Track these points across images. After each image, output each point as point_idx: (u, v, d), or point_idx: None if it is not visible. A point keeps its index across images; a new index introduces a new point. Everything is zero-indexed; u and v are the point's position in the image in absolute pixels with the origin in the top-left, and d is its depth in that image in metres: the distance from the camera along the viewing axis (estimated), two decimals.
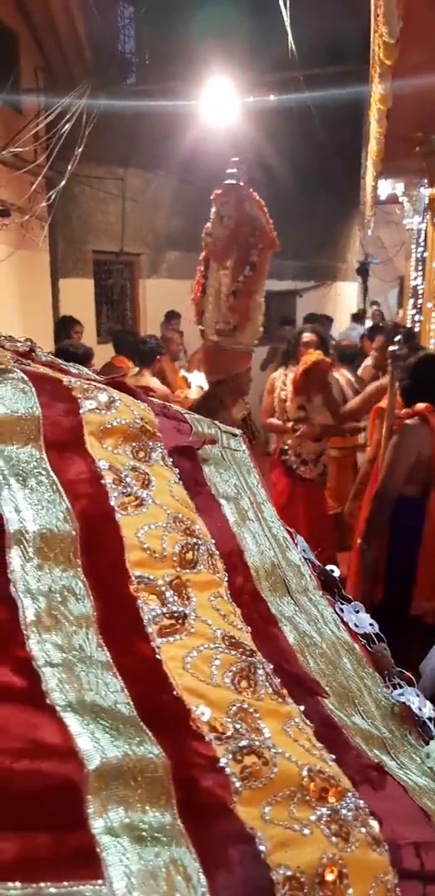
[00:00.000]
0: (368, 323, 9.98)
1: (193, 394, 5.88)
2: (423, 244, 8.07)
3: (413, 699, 0.87)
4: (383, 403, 4.17)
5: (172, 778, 0.59)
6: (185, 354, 7.60)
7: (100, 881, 0.51)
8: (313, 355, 4.73)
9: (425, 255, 7.25)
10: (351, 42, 7.04)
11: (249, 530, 0.92)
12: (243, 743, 0.63)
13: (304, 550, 1.00)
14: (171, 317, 7.99)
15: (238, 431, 1.09)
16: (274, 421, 4.93)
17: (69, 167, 7.10)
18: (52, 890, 0.50)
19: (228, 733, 0.63)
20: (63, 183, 7.16)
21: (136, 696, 0.65)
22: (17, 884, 0.49)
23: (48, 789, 0.55)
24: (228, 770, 0.61)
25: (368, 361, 6.46)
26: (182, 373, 6.52)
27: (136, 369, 5.65)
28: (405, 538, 3.25)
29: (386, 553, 3.33)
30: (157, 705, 0.65)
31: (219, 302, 3.25)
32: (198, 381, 6.04)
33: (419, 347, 4.91)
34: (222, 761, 0.61)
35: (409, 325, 8.71)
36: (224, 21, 8.00)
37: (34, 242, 7.64)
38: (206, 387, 6.20)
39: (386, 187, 9.67)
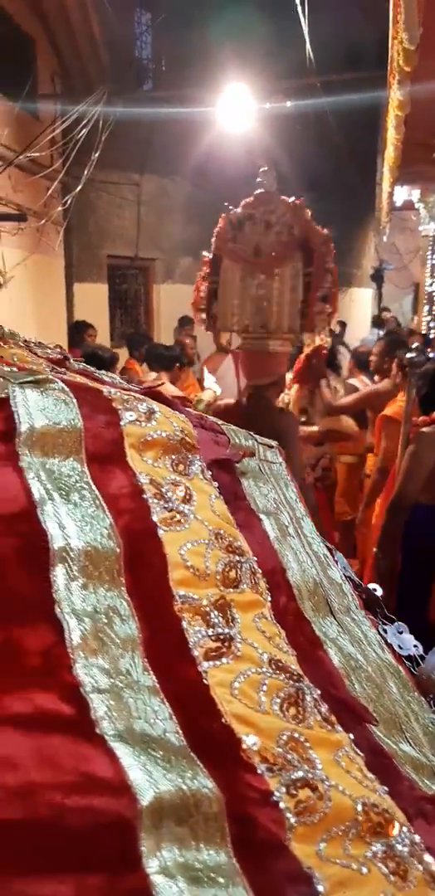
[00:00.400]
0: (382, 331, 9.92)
1: (208, 396, 5.89)
2: None
3: None
4: (388, 411, 4.27)
5: (226, 814, 0.57)
6: (198, 359, 7.60)
7: None
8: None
9: None
10: (368, 47, 7.03)
11: (290, 547, 0.90)
12: (297, 775, 0.61)
13: (344, 568, 0.98)
14: (185, 322, 7.99)
15: (274, 443, 1.07)
16: None
17: (85, 172, 7.13)
18: None
19: (280, 764, 0.61)
20: (79, 188, 7.20)
21: (184, 724, 0.63)
22: None
23: (101, 826, 0.53)
24: (282, 804, 0.58)
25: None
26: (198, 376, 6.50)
27: (154, 374, 5.65)
28: (422, 545, 3.22)
29: (401, 561, 3.30)
30: (207, 734, 0.63)
31: (285, 299, 3.34)
32: (210, 384, 6.04)
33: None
34: (276, 795, 0.59)
35: (424, 332, 8.66)
36: (241, 27, 8.01)
37: (50, 247, 7.68)
38: (218, 390, 6.25)
39: (402, 193, 9.62)
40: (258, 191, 3.54)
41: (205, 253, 3.78)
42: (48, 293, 8.08)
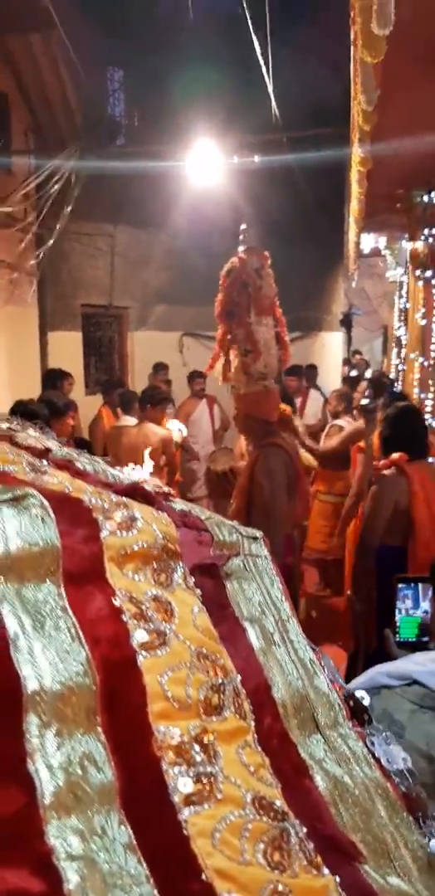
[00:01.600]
0: (354, 372, 10.12)
1: (175, 437, 6.03)
2: (405, 296, 8.25)
3: None
4: (362, 444, 4.53)
5: None
6: (173, 405, 7.67)
7: None
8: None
9: (408, 306, 7.41)
10: (333, 102, 7.31)
11: (276, 658, 0.86)
12: None
13: (330, 672, 0.94)
14: (159, 368, 8.09)
15: (259, 534, 1.03)
16: None
17: (58, 226, 7.25)
18: None
19: None
20: (52, 241, 7.31)
21: (162, 885, 0.60)
22: None
23: None
24: None
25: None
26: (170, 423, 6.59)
27: (134, 420, 5.75)
28: (390, 586, 3.28)
29: (376, 599, 3.35)
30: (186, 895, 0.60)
31: (269, 350, 3.55)
32: (172, 426, 6.25)
33: (398, 396, 4.98)
34: None
35: (393, 375, 8.85)
36: (210, 85, 8.29)
37: (23, 298, 7.75)
38: (184, 430, 6.39)
39: (369, 241, 9.93)
40: (244, 246, 3.64)
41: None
42: (22, 343, 8.13)
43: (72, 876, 0.57)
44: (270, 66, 5.90)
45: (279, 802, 0.70)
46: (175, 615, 0.79)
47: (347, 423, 5.79)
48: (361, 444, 4.60)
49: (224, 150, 7.36)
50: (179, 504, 1.02)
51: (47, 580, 0.75)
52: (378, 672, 1.35)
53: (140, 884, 0.59)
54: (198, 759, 0.68)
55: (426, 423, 3.71)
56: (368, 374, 4.91)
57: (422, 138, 4.37)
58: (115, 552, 0.81)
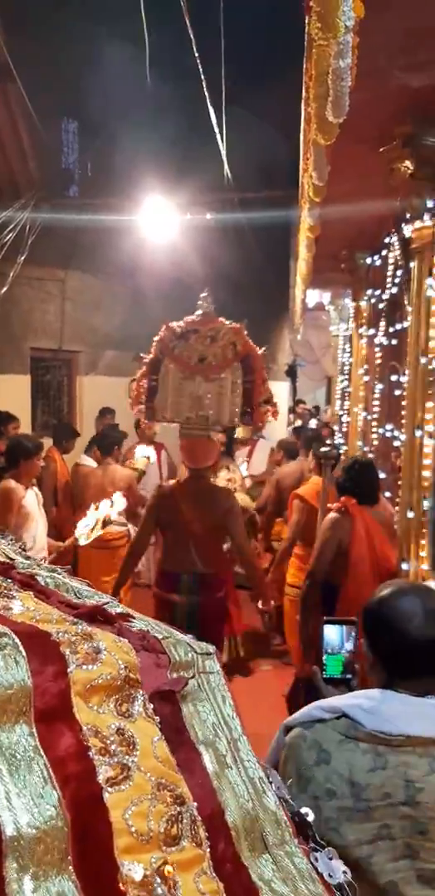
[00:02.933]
0: (299, 422, 10.39)
1: (141, 464, 6.33)
2: (349, 351, 8.59)
3: None
4: (300, 490, 4.87)
5: None
6: (119, 449, 7.68)
7: None
8: None
9: (351, 360, 7.72)
10: (283, 164, 7.66)
11: (228, 781, 0.93)
12: None
13: (278, 788, 1.01)
14: (106, 412, 8.11)
15: (212, 649, 1.08)
16: None
17: (11, 273, 7.27)
18: None
19: None
20: (5, 289, 7.30)
21: None
22: None
23: None
24: None
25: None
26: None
27: (89, 459, 5.87)
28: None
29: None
30: None
31: (226, 399, 4.09)
32: (142, 453, 6.59)
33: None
34: None
35: (336, 427, 9.13)
36: (164, 141, 8.55)
37: None
38: (152, 456, 6.57)
39: (314, 296, 10.33)
40: (200, 311, 4.16)
41: (142, 354, 4.27)
42: None
43: None
44: (224, 126, 6.16)
45: None
46: (137, 746, 0.85)
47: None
48: (298, 490, 4.90)
49: (176, 205, 7.58)
50: (138, 622, 1.07)
51: (21, 721, 0.80)
52: (314, 707, 1.51)
53: None
54: (159, 891, 0.74)
55: (377, 473, 4.07)
56: (313, 423, 5.22)
57: (366, 205, 4.66)
58: (81, 686, 0.87)
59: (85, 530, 3.22)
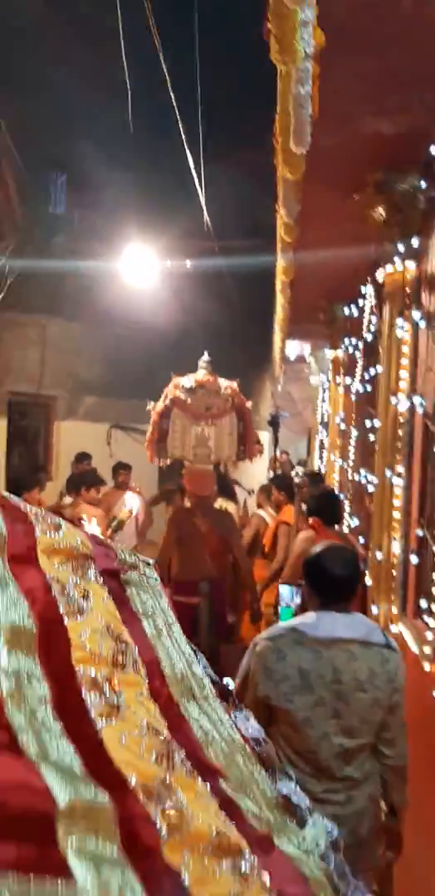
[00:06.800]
0: (280, 471, 10.36)
1: (124, 515, 6.35)
2: (327, 400, 8.64)
3: (291, 792, 1.10)
4: (284, 517, 5.58)
5: (117, 819, 0.76)
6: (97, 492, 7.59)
7: (68, 880, 0.68)
8: None
9: (329, 410, 7.76)
10: (263, 215, 7.81)
11: (163, 645, 1.13)
12: (168, 804, 0.82)
13: (205, 667, 1.20)
14: (82, 458, 8.03)
15: (151, 561, 1.31)
16: None
17: None
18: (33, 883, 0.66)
19: (155, 795, 0.82)
20: None
21: (85, 761, 0.82)
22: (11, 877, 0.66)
23: (31, 818, 0.72)
24: (157, 823, 0.79)
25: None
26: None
27: (70, 499, 5.83)
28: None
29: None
30: (102, 772, 0.82)
31: (225, 440, 5.33)
32: (128, 502, 6.77)
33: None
34: (152, 815, 0.80)
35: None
36: (147, 192, 8.72)
37: None
38: (135, 507, 6.80)
39: (295, 348, 10.42)
40: (204, 371, 5.40)
41: (152, 403, 5.44)
42: None
43: (22, 738, 0.80)
44: (202, 177, 6.29)
45: (166, 732, 0.95)
46: (90, 596, 1.06)
47: (267, 514, 6.06)
48: (284, 517, 5.60)
49: (158, 254, 7.69)
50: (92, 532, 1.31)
51: None
52: (275, 627, 2.37)
53: (70, 755, 0.82)
54: (107, 692, 0.94)
55: (341, 501, 4.69)
56: (300, 470, 5.64)
57: (341, 253, 4.73)
58: (45, 546, 1.09)
59: None
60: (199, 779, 0.90)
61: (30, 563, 1.03)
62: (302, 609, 2.46)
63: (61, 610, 0.99)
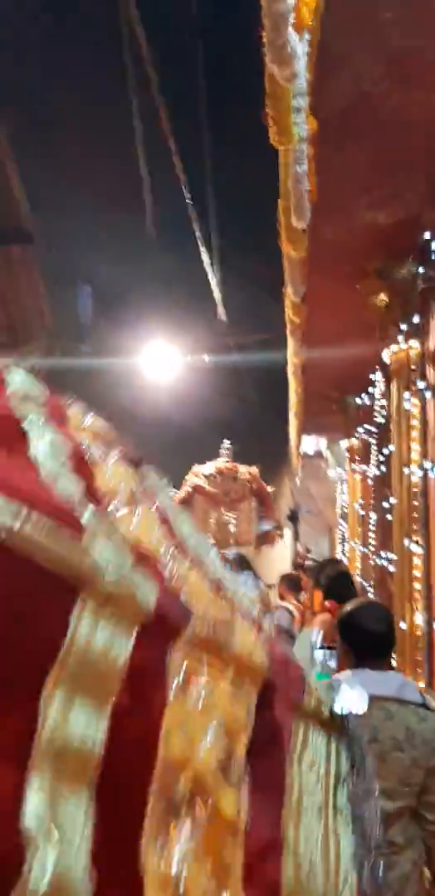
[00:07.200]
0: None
1: None
2: (345, 492, 8.73)
3: None
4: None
5: None
6: None
7: None
8: None
9: (347, 500, 7.84)
10: (279, 312, 8.24)
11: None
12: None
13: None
14: None
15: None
16: None
17: None
18: None
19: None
20: None
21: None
22: None
23: None
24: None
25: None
26: None
27: None
28: None
29: None
30: None
31: (244, 523, 5.83)
32: None
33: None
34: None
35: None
36: (167, 296, 9.26)
37: None
38: None
39: (312, 443, 10.64)
40: (224, 458, 5.83)
41: (175, 490, 5.49)
42: None
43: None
44: (217, 279, 6.72)
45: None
46: None
47: (291, 604, 6.03)
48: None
49: (178, 351, 8.11)
50: None
51: None
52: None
53: None
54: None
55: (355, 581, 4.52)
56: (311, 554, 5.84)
57: (348, 346, 4.98)
58: None
59: None
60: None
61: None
62: (338, 670, 2.46)
63: None
